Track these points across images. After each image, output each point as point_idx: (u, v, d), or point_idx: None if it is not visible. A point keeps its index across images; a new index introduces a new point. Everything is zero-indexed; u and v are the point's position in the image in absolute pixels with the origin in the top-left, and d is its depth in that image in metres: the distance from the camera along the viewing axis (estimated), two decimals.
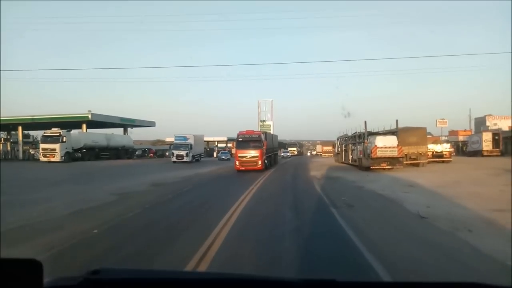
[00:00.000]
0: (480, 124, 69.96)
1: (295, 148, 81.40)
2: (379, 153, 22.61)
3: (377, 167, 22.90)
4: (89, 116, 42.05)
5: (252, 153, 24.64)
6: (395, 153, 22.63)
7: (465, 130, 63.57)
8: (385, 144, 22.82)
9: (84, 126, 45.62)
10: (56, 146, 34.15)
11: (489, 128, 58.98)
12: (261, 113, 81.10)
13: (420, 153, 26.26)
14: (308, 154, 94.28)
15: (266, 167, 25.91)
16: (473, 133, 59.83)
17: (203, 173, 24.52)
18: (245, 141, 25.10)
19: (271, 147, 30.29)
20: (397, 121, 24.29)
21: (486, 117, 67.84)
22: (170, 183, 18.31)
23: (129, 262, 5.28)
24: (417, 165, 26.36)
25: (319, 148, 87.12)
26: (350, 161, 30.73)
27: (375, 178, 19.51)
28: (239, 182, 18.45)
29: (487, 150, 42.92)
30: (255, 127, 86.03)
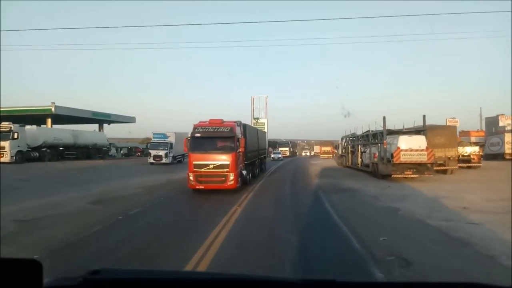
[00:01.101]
0: (492, 124, 66.14)
1: (287, 148, 71.39)
2: (403, 158, 17.99)
3: (399, 175, 18.28)
4: (52, 109, 36.91)
5: (217, 160, 14.14)
6: (424, 158, 18.03)
7: (477, 131, 59.37)
8: (411, 146, 18.20)
9: (49, 120, 40.47)
10: (5, 143, 28.92)
11: (506, 128, 54.92)
12: (254, 110, 77.01)
13: (449, 158, 21.75)
14: (303, 154, 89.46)
15: (245, 182, 16.16)
16: (486, 134, 55.79)
17: (177, 181, 19.62)
18: (206, 138, 14.52)
19: (254, 149, 20.31)
20: (424, 116, 19.76)
21: (499, 117, 63.87)
22: (122, 198, 13.50)
23: None
24: (444, 172, 21.86)
25: (316, 148, 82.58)
26: (359, 166, 26.10)
27: (403, 191, 14.90)
28: (215, 202, 13.67)
29: (510, 153, 38.66)
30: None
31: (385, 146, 19.16)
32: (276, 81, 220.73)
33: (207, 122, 15.09)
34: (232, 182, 14.01)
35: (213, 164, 14.09)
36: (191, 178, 14.10)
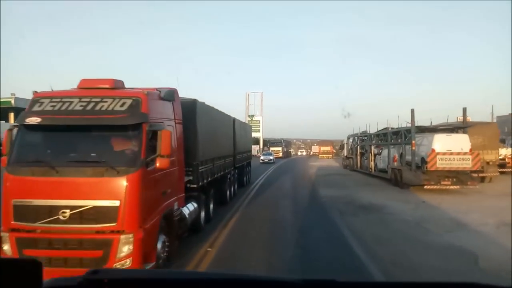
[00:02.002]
0: (504, 123, 62.35)
1: (279, 148, 58.94)
2: (440, 164, 13.86)
3: (433, 186, 14.13)
4: (12, 102, 32.22)
5: (84, 194, 4.93)
6: (467, 164, 13.91)
7: None
8: (450, 148, 14.09)
9: (11, 115, 35.78)
10: None
11: None
12: (249, 107, 72.41)
13: (488, 162, 17.69)
14: (299, 154, 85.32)
15: (195, 229, 7.87)
16: (501, 134, 52.04)
17: None
18: (59, 128, 5.33)
19: (224, 154, 11.20)
20: (465, 110, 15.64)
21: None
22: None
23: None
24: (481, 179, 17.75)
25: (315, 148, 78.53)
26: (372, 170, 21.99)
27: (449, 212, 10.78)
28: None
29: None
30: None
31: (413, 148, 15.00)
32: (273, 78, 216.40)
33: (74, 89, 5.79)
34: (128, 264, 4.83)
35: (72, 207, 4.87)
36: (5, 248, 4.93)
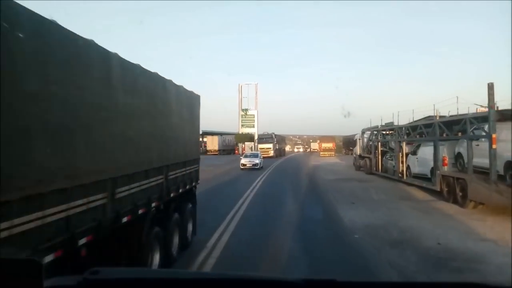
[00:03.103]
0: None
1: (270, 145, 47.72)
2: None
3: None
4: None
5: None
6: None
7: None
8: None
9: None
10: None
11: None
12: (243, 100, 66.56)
13: None
14: (296, 150, 80.00)
15: None
16: None
17: None
18: None
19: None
20: None
21: None
22: None
23: None
24: None
25: (314, 145, 73.17)
26: (403, 176, 16.47)
27: None
28: None
29: None
30: (235, 118, 69.44)
31: (494, 146, 9.46)
32: (269, 73, 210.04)
33: None
34: None
35: None
36: None
